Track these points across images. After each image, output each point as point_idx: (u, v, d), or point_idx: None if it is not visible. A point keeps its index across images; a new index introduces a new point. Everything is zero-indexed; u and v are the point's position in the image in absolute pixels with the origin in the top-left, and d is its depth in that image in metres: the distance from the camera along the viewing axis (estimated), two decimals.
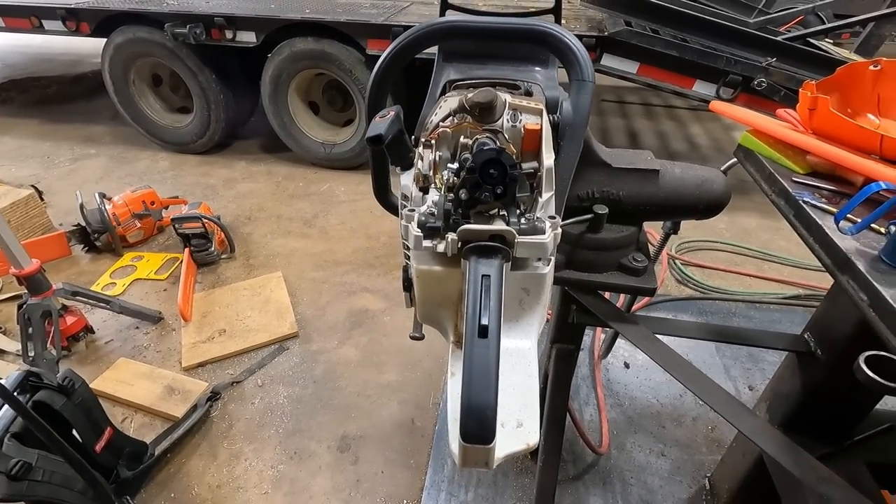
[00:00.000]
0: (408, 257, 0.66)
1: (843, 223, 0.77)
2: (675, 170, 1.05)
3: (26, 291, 1.95)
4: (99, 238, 2.65)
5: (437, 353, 2.16)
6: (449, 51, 0.77)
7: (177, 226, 2.53)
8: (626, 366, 2.10)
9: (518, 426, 0.46)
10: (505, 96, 0.58)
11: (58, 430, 1.23)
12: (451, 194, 0.53)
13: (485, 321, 0.40)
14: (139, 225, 2.77)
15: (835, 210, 0.87)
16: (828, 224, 0.83)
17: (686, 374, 1.10)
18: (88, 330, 2.15)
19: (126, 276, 2.57)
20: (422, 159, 0.56)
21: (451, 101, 0.59)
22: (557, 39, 0.58)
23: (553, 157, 0.53)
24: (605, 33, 2.74)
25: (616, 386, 2.01)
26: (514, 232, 0.47)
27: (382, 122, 0.55)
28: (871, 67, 1.04)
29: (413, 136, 0.64)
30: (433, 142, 0.57)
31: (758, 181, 1.05)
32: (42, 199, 2.93)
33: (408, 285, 0.54)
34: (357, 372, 2.08)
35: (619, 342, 2.11)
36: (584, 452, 1.74)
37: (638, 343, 1.13)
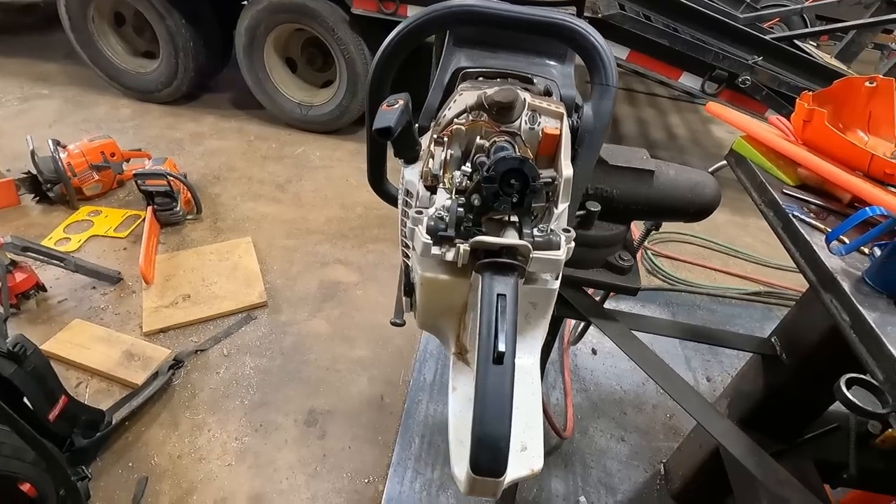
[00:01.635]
0: (406, 255, 0.62)
1: (834, 243, 0.78)
2: (670, 171, 1.05)
3: None
4: (52, 189, 2.47)
5: (408, 332, 2.14)
6: (461, 35, 0.72)
7: (140, 182, 2.39)
8: (594, 352, 2.15)
9: (522, 450, 0.45)
10: (524, 95, 0.54)
11: (8, 399, 1.16)
12: (462, 198, 0.49)
13: (502, 347, 0.38)
14: (97, 177, 2.60)
15: (822, 226, 0.89)
16: (816, 241, 0.84)
17: (661, 373, 1.12)
18: (40, 288, 2.03)
19: (82, 232, 2.42)
20: (432, 157, 0.53)
21: (466, 97, 0.55)
22: (583, 38, 0.55)
23: (571, 167, 0.50)
24: (599, 15, 2.69)
25: (583, 371, 2.06)
26: (530, 247, 0.44)
27: (391, 113, 0.51)
28: (867, 84, 1.05)
29: (417, 125, 0.60)
30: (446, 139, 0.53)
31: (748, 189, 1.06)
32: None
33: (409, 290, 0.51)
34: (327, 346, 2.05)
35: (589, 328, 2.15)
36: (549, 435, 1.78)
37: (616, 340, 1.14)
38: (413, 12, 2.77)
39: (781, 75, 2.61)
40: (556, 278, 0.50)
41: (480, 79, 0.68)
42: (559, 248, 0.46)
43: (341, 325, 2.15)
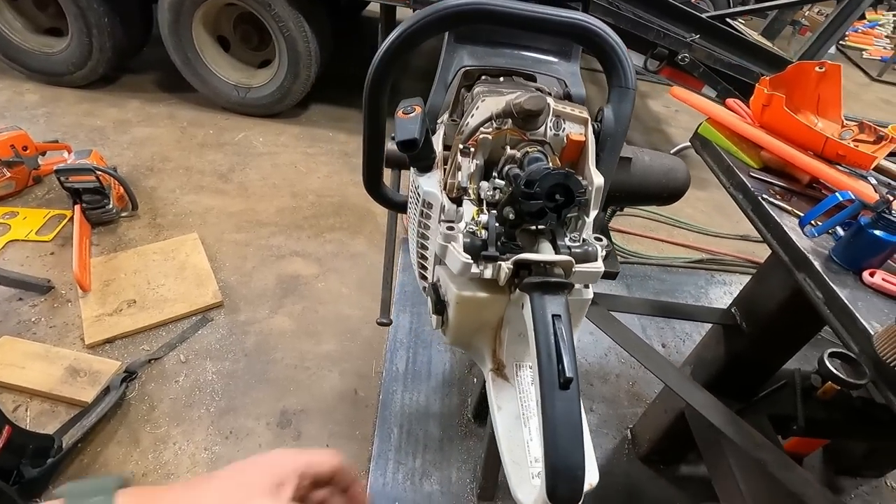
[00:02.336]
0: (424, 266, 0.60)
1: (808, 227, 0.84)
2: (645, 157, 1.08)
3: None
4: None
5: (375, 322, 2.11)
6: (463, 32, 0.68)
7: (63, 178, 2.15)
8: None
9: None
10: (549, 101, 0.52)
11: None
12: (493, 211, 0.48)
13: (568, 372, 0.38)
14: (8, 174, 2.31)
15: (788, 207, 0.95)
16: (786, 223, 0.90)
17: (636, 347, 1.18)
18: None
19: None
20: (459, 168, 0.50)
21: (490, 103, 0.52)
22: (602, 39, 0.53)
23: (601, 175, 0.50)
24: None
25: None
26: (573, 261, 0.43)
27: (411, 122, 0.48)
28: (817, 69, 1.11)
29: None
30: (472, 149, 0.51)
31: (716, 172, 1.11)
32: None
33: (440, 308, 0.49)
34: (292, 343, 1.98)
35: None
36: None
37: (597, 322, 1.18)
38: None
39: (716, 53, 2.75)
40: (589, 287, 0.50)
41: (485, 77, 0.65)
42: (597, 259, 0.46)
43: (305, 321, 2.07)
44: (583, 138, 0.53)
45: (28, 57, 3.12)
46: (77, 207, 2.20)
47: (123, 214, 2.37)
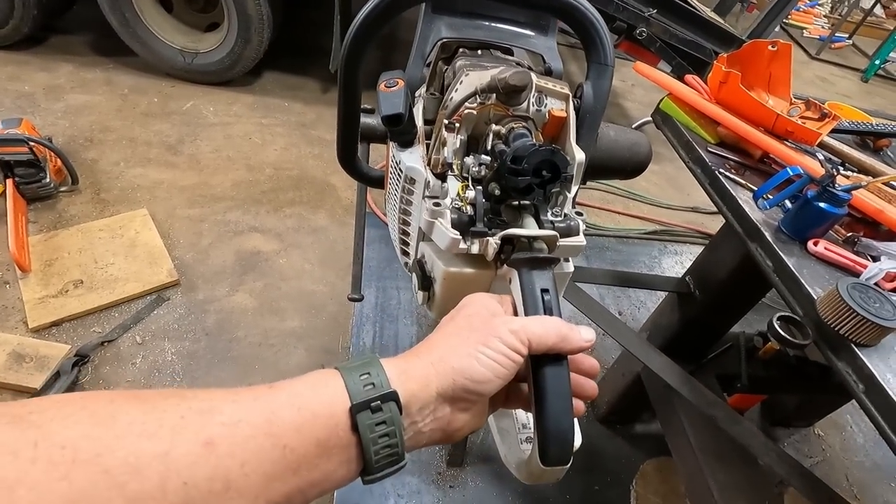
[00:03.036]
0: (406, 243, 0.60)
1: (760, 200, 0.89)
2: (610, 132, 1.10)
3: None
4: None
5: (339, 297, 2.10)
6: (441, 3, 0.66)
7: None
8: None
9: None
10: (532, 76, 0.52)
11: None
12: (479, 186, 0.48)
13: None
14: None
15: (742, 181, 1.00)
16: (741, 196, 0.95)
17: (598, 314, 1.23)
18: None
19: None
20: (444, 144, 0.50)
21: (473, 78, 0.51)
22: (582, 14, 0.53)
23: (582, 152, 0.51)
24: None
25: None
26: (558, 235, 0.45)
27: (395, 96, 0.47)
28: (770, 48, 1.16)
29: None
30: (457, 124, 0.50)
31: (675, 146, 1.16)
32: None
33: (426, 284, 0.50)
34: (255, 321, 1.94)
35: None
36: None
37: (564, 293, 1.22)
38: None
39: (672, 28, 2.81)
40: (569, 261, 0.52)
41: (462, 50, 0.64)
42: (578, 234, 0.48)
43: (267, 298, 2.03)
44: (564, 114, 0.54)
45: None
46: (9, 182, 2.03)
47: (62, 189, 2.21)
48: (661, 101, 1.21)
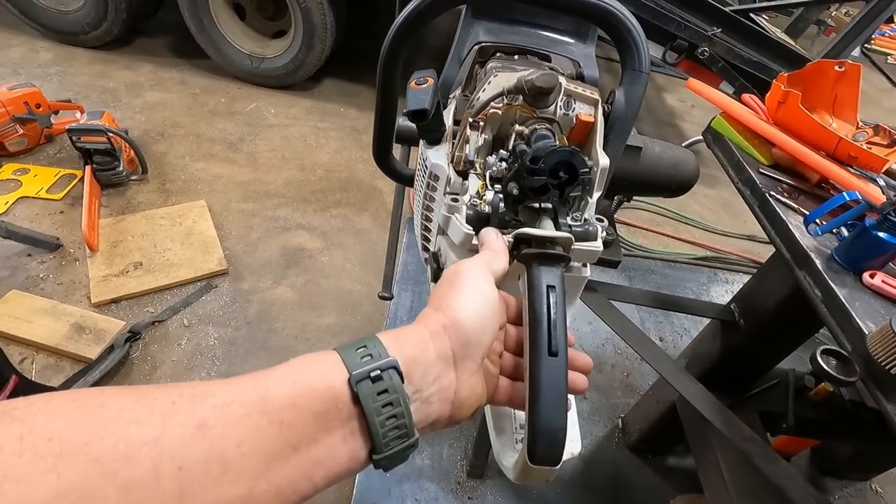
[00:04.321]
0: (427, 238, 0.61)
1: (812, 225, 0.84)
2: (655, 148, 1.07)
3: None
4: None
5: (375, 298, 2.13)
6: (480, 7, 0.68)
7: (75, 138, 2.16)
8: None
9: None
10: (560, 80, 0.52)
11: None
12: (498, 186, 0.48)
13: (557, 339, 0.39)
14: (21, 131, 2.32)
15: (794, 205, 0.95)
16: (791, 220, 0.90)
17: (633, 337, 1.19)
18: None
19: (8, 193, 2.18)
20: (467, 141, 0.51)
21: (501, 79, 0.52)
22: (619, 21, 0.53)
23: (607, 157, 0.50)
24: None
25: None
26: (573, 238, 0.44)
27: (423, 93, 0.48)
28: (836, 68, 1.10)
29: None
30: (481, 123, 0.51)
31: (725, 167, 1.11)
32: None
33: (438, 276, 0.50)
34: (294, 314, 2.01)
35: None
36: None
37: (596, 310, 1.19)
38: None
39: (737, 48, 2.70)
40: (587, 266, 0.51)
41: (499, 55, 0.65)
42: (596, 239, 0.47)
43: (307, 293, 2.10)
44: (592, 119, 0.53)
45: (43, 14, 3.10)
46: (88, 168, 2.21)
47: (133, 178, 2.39)
48: (712, 119, 1.17)
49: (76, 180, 2.29)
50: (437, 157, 0.53)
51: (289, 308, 2.02)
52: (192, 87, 3.15)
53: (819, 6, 3.26)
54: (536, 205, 0.50)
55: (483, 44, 0.66)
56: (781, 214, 0.91)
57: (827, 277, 0.79)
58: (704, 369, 1.45)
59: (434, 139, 0.54)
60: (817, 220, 0.84)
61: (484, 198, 0.47)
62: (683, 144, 1.28)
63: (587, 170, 0.48)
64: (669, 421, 1.58)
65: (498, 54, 0.65)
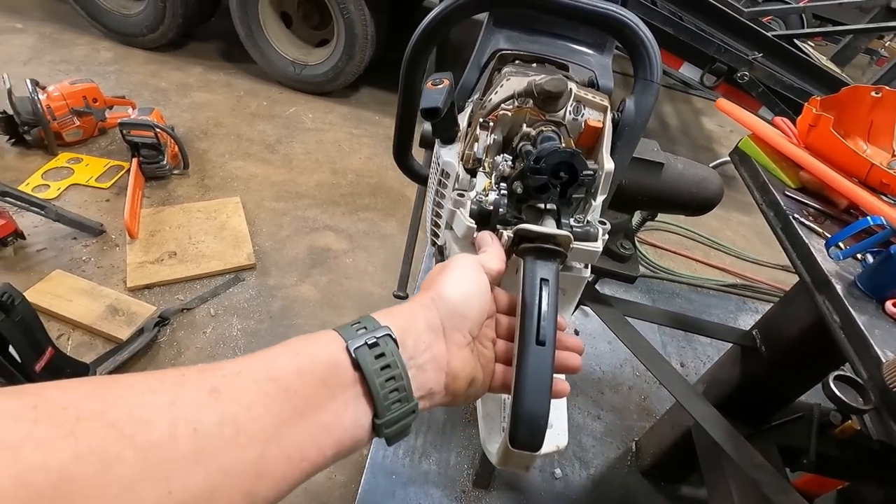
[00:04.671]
0: (435, 234, 0.63)
1: (833, 248, 0.82)
2: (678, 165, 1.07)
3: None
4: (29, 132, 2.35)
5: (394, 301, 2.16)
6: (501, 16, 0.71)
7: (125, 132, 2.29)
8: (576, 332, 2.21)
9: (549, 427, 0.47)
10: (571, 86, 0.54)
11: None
12: (503, 184, 0.50)
13: (545, 329, 0.40)
14: (78, 123, 2.48)
15: (819, 229, 0.93)
16: (813, 244, 0.88)
17: (648, 356, 1.17)
18: (18, 235, 1.96)
19: (61, 180, 2.33)
20: (476, 140, 0.53)
21: (514, 82, 0.54)
22: (633, 32, 0.55)
23: (612, 161, 0.51)
24: None
25: None
26: (571, 237, 0.45)
27: (437, 93, 0.51)
28: (873, 94, 1.08)
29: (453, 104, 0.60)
30: (491, 123, 0.53)
31: (750, 187, 1.09)
32: None
33: None
34: (315, 311, 2.05)
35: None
36: None
37: (610, 325, 1.18)
38: None
39: (778, 74, 2.65)
40: (587, 267, 0.52)
41: (517, 62, 0.68)
42: (596, 240, 0.48)
43: (330, 292, 2.15)
44: (600, 125, 0.54)
45: (107, 16, 3.32)
46: (134, 160, 2.34)
47: (175, 172, 2.51)
48: (740, 140, 1.16)
49: (123, 171, 2.42)
50: (450, 155, 0.55)
51: (310, 305, 2.07)
52: (237, 89, 3.30)
53: (867, 34, 3.16)
54: (542, 205, 0.51)
55: (503, 51, 0.69)
56: (804, 237, 0.89)
57: (847, 303, 0.77)
58: (722, 396, 1.41)
59: (448, 138, 0.56)
60: (839, 244, 0.82)
61: (488, 196, 0.48)
62: (711, 165, 1.27)
63: (591, 172, 0.50)
64: (684, 447, 1.54)
65: (517, 62, 0.68)
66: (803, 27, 4.32)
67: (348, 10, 2.94)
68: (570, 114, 0.55)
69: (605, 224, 0.50)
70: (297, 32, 3.38)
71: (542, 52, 0.68)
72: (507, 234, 0.46)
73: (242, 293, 2.05)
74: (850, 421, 1.29)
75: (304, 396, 0.34)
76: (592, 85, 0.65)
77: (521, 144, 0.52)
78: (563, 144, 0.49)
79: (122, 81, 3.12)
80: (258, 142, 2.89)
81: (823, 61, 2.85)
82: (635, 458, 1.80)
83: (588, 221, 0.49)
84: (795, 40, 2.90)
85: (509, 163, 0.49)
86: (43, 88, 2.36)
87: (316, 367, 0.35)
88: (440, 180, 0.56)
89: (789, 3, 3.49)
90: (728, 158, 1.24)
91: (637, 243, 2.76)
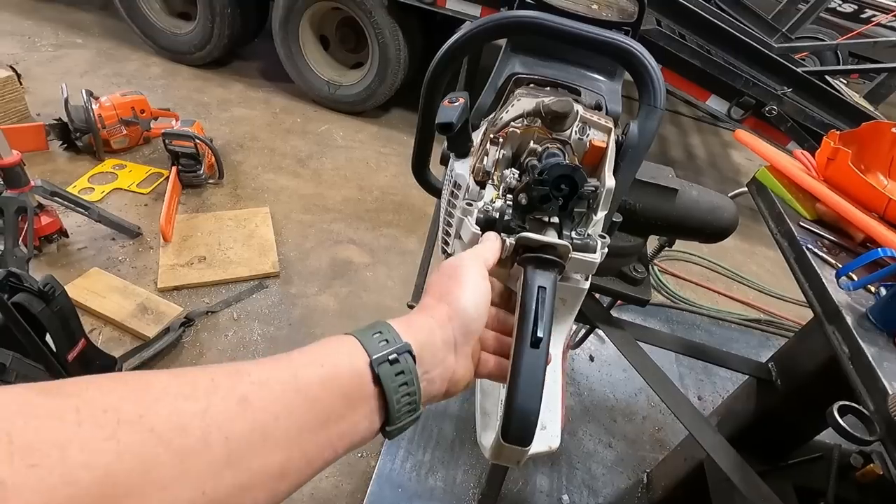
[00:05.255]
0: (446, 242, 0.67)
1: (843, 279, 0.82)
2: (693, 192, 1.09)
3: (1, 182, 1.86)
4: (80, 138, 2.52)
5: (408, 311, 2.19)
6: (518, 42, 0.76)
7: (167, 141, 2.43)
8: (591, 359, 2.20)
9: (542, 428, 0.49)
10: (578, 108, 0.58)
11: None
12: (510, 196, 0.54)
13: (540, 332, 0.43)
14: (125, 132, 2.64)
15: (833, 261, 0.93)
16: (826, 275, 0.88)
17: (659, 383, 1.17)
18: (62, 233, 2.08)
19: (106, 184, 2.47)
20: (486, 154, 0.57)
21: (524, 102, 0.59)
22: (638, 60, 0.58)
23: (614, 179, 0.54)
24: None
25: (578, 376, 2.11)
26: (570, 247, 0.48)
27: (452, 109, 0.55)
28: (893, 130, 1.08)
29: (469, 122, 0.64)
30: (501, 139, 0.57)
31: (766, 218, 1.10)
32: (21, 84, 2.74)
33: None
34: (333, 322, 2.10)
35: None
36: None
37: (620, 347, 1.19)
38: (452, 4, 2.81)
39: (808, 109, 2.63)
40: (587, 279, 0.54)
41: (532, 85, 0.72)
42: (595, 252, 0.51)
43: (349, 304, 2.20)
44: (604, 145, 0.58)
45: (159, 35, 3.55)
46: (174, 168, 2.47)
47: (210, 181, 2.63)
48: (757, 170, 1.17)
49: (163, 178, 2.55)
50: (462, 168, 0.59)
51: (329, 315, 2.12)
52: (274, 106, 3.46)
53: None
54: (546, 218, 0.54)
55: (518, 75, 0.73)
56: (816, 268, 0.89)
57: (856, 334, 0.77)
58: (738, 429, 1.39)
59: (461, 153, 0.61)
60: (851, 275, 0.82)
61: (494, 203, 0.52)
62: (730, 195, 1.28)
63: (592, 187, 0.53)
64: (697, 482, 1.50)
65: (532, 85, 0.72)
66: (839, 65, 4.29)
67: (383, 35, 3.07)
68: (575, 134, 0.58)
69: (604, 238, 0.52)
70: (334, 54, 3.53)
71: (556, 76, 0.72)
72: (510, 241, 0.49)
73: (265, 300, 2.11)
74: (872, 465, 1.25)
75: (327, 407, 0.36)
76: (599, 108, 0.69)
77: (527, 160, 0.55)
78: (567, 160, 0.53)
79: (169, 95, 3.31)
80: (290, 156, 3.01)
81: (855, 98, 2.82)
82: (646, 489, 1.76)
83: (588, 234, 0.52)
84: (827, 77, 2.89)
85: (516, 176, 0.52)
86: (96, 99, 2.53)
87: (341, 380, 0.37)
88: (452, 191, 0.60)
89: (823, 41, 3.47)
90: (746, 189, 1.25)
91: (658, 272, 2.74)
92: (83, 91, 2.48)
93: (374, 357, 0.38)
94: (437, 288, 0.47)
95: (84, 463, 0.25)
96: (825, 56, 4.42)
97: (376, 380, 0.38)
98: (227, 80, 3.60)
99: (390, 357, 0.39)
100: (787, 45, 3.22)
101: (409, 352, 0.40)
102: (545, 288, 0.45)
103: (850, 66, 3.01)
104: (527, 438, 0.42)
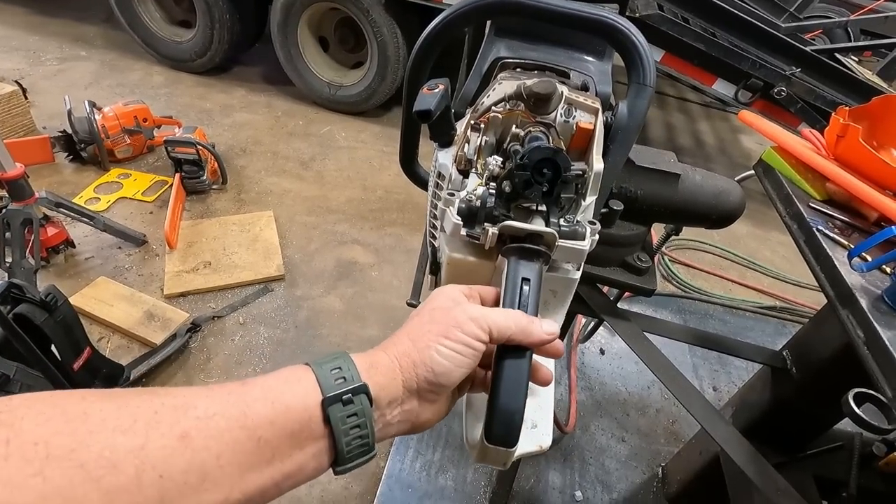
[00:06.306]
0: (433, 236, 0.65)
1: (856, 260, 0.78)
2: (696, 177, 1.05)
3: (6, 195, 1.88)
4: (85, 149, 2.54)
5: (409, 310, 2.18)
6: (502, 26, 0.73)
7: (169, 148, 2.44)
8: (602, 352, 2.16)
9: (532, 427, 0.47)
10: (562, 88, 0.55)
11: (37, 346, 1.22)
12: (493, 184, 0.51)
13: None
14: (129, 141, 2.66)
15: (845, 242, 0.89)
16: (837, 256, 0.84)
17: (669, 376, 1.13)
18: (69, 244, 2.10)
19: (111, 193, 2.49)
20: (468, 142, 0.54)
21: (505, 86, 0.56)
22: (625, 36, 0.56)
23: (602, 162, 0.52)
24: (637, 14, 2.65)
25: (589, 370, 2.08)
26: (556, 235, 0.46)
27: (431, 97, 0.53)
28: None
29: (453, 111, 0.62)
30: (482, 125, 0.55)
31: (773, 200, 1.06)
32: (26, 98, 2.77)
33: (435, 269, 0.54)
34: (340, 322, 2.09)
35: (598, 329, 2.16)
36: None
37: (627, 339, 1.16)
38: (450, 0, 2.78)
39: (818, 89, 2.56)
40: (578, 268, 0.52)
41: (518, 70, 0.69)
42: (584, 239, 0.48)
43: (355, 304, 2.18)
44: (591, 126, 0.55)
45: (160, 44, 3.57)
46: (177, 175, 2.48)
47: (214, 187, 2.64)
48: (763, 151, 1.13)
49: (167, 186, 2.57)
50: (445, 158, 0.57)
51: (335, 316, 2.11)
52: (276, 110, 3.46)
53: None
54: (534, 206, 0.52)
55: (504, 59, 0.70)
56: (827, 250, 0.85)
57: (871, 318, 0.73)
58: (752, 420, 1.35)
59: (444, 142, 0.58)
60: (863, 255, 0.78)
61: (476, 192, 0.50)
62: (736, 178, 1.24)
63: (580, 172, 0.50)
64: (713, 474, 1.46)
65: (518, 69, 0.69)
66: (850, 40, 4.17)
67: (382, 33, 3.05)
68: (560, 116, 0.55)
69: (594, 224, 0.50)
70: (334, 55, 3.52)
71: (543, 59, 0.70)
72: (493, 230, 0.47)
73: (271, 303, 2.11)
74: (894, 454, 1.20)
75: (274, 447, 0.35)
76: (587, 89, 0.66)
77: (510, 145, 0.53)
78: (551, 144, 0.50)
79: (172, 103, 3.33)
80: (293, 159, 3.01)
81: (867, 75, 2.73)
82: (661, 483, 1.72)
83: (577, 221, 0.50)
84: (837, 55, 2.80)
85: (499, 163, 0.50)
86: (99, 109, 2.55)
87: (289, 419, 0.36)
88: (436, 182, 0.57)
89: (831, 18, 3.38)
90: (752, 171, 1.21)
91: (668, 262, 2.69)
92: (86, 102, 2.50)
93: (328, 396, 0.37)
94: (416, 327, 0.44)
95: (6, 501, 0.24)
96: (836, 34, 4.31)
97: (327, 420, 0.37)
98: (229, 86, 3.62)
99: (344, 397, 0.37)
100: (794, 24, 3.14)
101: (367, 393, 0.38)
102: (529, 279, 0.43)
103: (860, 43, 2.91)
104: (511, 440, 0.39)
